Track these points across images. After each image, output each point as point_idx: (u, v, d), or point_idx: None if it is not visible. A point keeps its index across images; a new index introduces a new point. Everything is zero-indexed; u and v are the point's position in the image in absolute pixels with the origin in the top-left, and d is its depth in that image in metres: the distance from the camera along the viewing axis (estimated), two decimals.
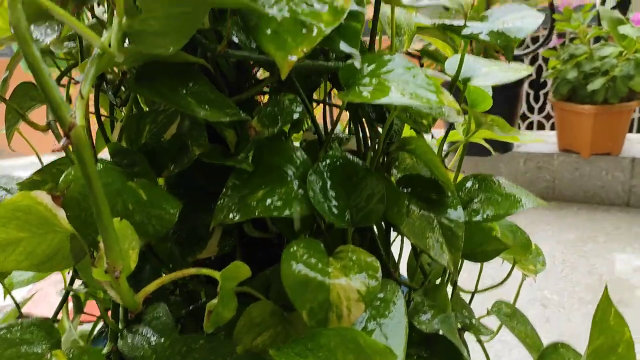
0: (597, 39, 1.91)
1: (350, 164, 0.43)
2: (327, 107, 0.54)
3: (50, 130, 0.41)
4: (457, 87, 0.50)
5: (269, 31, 0.34)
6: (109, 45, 0.32)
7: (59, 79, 0.47)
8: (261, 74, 0.54)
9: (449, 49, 0.60)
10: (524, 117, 2.80)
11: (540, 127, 2.81)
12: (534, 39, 2.37)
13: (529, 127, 2.82)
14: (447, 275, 0.52)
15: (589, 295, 1.37)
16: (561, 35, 2.05)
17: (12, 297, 0.53)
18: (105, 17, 0.45)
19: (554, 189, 1.94)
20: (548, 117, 2.77)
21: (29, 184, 0.47)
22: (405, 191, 0.48)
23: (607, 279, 1.43)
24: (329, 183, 0.42)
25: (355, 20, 0.37)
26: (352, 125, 0.55)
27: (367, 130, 0.50)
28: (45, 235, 0.40)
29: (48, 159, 0.48)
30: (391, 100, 0.35)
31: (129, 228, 0.35)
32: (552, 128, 2.76)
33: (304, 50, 0.33)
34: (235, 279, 0.36)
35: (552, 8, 1.72)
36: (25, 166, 1.55)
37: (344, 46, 0.37)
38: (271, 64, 0.44)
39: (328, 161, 0.43)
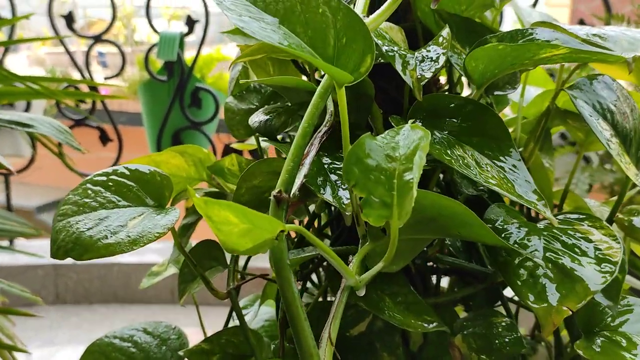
0: None
1: None
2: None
3: None
4: None
5: (523, 273, 0.31)
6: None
7: None
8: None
9: None
10: None
11: None
12: None
13: None
14: None
15: None
16: None
17: None
18: None
19: None
20: None
21: (197, 352, 0.45)
22: None
23: None
24: None
25: (621, 270, 0.32)
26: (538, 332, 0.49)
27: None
28: None
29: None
30: None
31: None
32: None
33: (569, 308, 0.29)
34: None
35: None
36: (159, 250, 1.60)
37: (600, 298, 0.32)
38: (484, 276, 0.41)
39: None
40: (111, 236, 0.36)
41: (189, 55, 1.56)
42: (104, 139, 1.35)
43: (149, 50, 1.42)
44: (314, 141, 0.32)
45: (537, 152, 0.46)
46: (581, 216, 0.34)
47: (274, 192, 0.28)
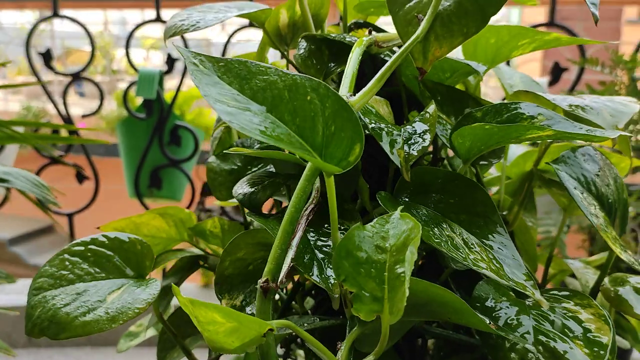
0: None
1: None
2: None
3: None
4: None
5: (514, 357, 0.30)
6: None
7: None
8: None
9: None
10: None
11: None
12: None
13: None
14: None
15: None
16: None
17: None
18: None
19: None
20: None
21: None
22: None
23: None
24: None
25: (611, 351, 0.32)
26: None
27: None
28: None
29: None
30: None
31: None
32: None
33: None
34: None
35: None
36: None
37: None
38: (471, 346, 0.40)
39: None
40: (89, 313, 0.35)
41: (169, 84, 1.55)
42: (80, 177, 1.32)
43: (128, 87, 1.41)
44: (301, 220, 0.31)
45: (520, 215, 0.46)
46: (568, 293, 0.34)
47: (260, 281, 0.27)
